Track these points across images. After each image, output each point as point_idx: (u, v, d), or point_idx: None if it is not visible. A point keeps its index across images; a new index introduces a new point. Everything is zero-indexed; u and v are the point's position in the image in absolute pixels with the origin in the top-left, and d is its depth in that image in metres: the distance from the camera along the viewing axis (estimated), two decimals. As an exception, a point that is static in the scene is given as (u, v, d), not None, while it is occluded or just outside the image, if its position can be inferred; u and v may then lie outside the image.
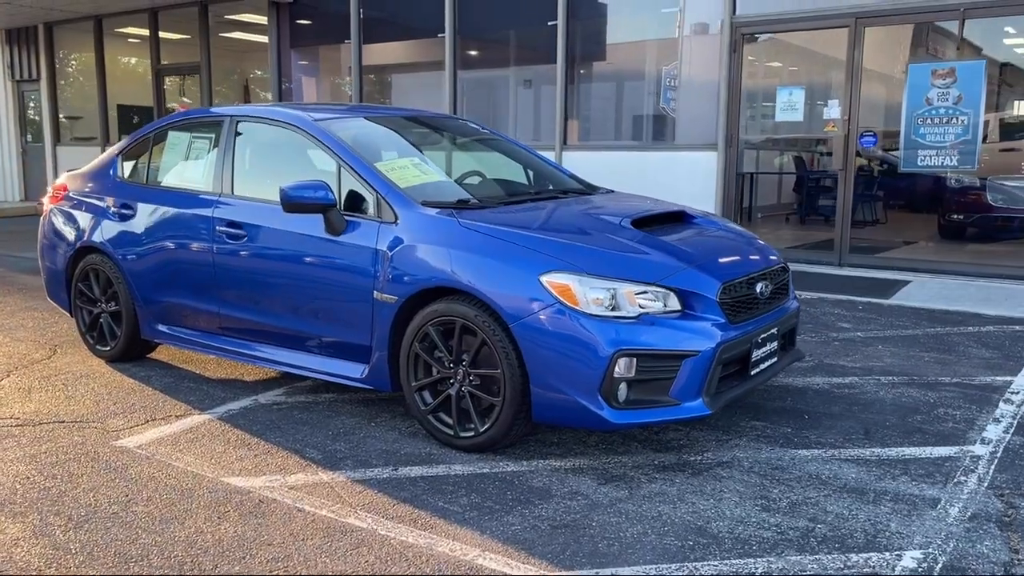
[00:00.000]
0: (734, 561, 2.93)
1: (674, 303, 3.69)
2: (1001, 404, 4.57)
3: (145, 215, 5.23)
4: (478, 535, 3.16)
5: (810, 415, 4.42)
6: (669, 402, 3.64)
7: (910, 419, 4.35)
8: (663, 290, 3.67)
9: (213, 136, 5.09)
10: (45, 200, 6.07)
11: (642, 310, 3.62)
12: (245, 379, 5.22)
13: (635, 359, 3.55)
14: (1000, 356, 5.55)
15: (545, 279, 3.65)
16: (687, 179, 9.14)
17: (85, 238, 5.53)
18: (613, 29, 10.22)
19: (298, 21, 12.81)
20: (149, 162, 5.45)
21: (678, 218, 4.53)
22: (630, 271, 3.70)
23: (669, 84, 10.11)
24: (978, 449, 3.93)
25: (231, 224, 4.74)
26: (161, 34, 14.59)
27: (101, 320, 5.56)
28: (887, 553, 2.97)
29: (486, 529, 3.21)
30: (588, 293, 3.59)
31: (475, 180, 4.96)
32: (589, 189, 5.22)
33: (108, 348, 5.55)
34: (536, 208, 4.48)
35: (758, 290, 4.03)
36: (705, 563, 2.92)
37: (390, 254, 4.09)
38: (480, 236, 3.91)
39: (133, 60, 15.95)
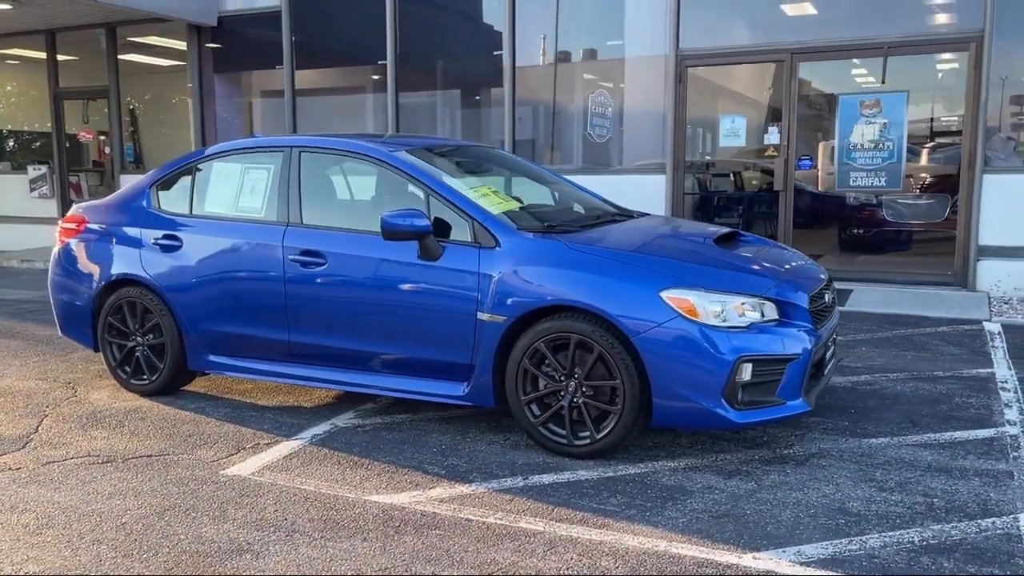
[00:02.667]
0: (890, 533, 3.37)
1: (772, 312, 4.13)
2: (1001, 392, 5.28)
3: (195, 245, 5.22)
4: (653, 528, 3.47)
5: (855, 410, 4.97)
6: (776, 401, 4.08)
7: (938, 408, 4.97)
8: (766, 301, 4.12)
9: (272, 166, 5.15)
10: (56, 235, 5.89)
11: (750, 320, 4.05)
12: (304, 405, 5.28)
13: (751, 364, 3.97)
14: (968, 352, 6.34)
15: (665, 295, 4.02)
16: (635, 201, 9.69)
17: (119, 271, 5.44)
18: (561, 57, 10.71)
19: (221, 45, 12.62)
20: (192, 193, 5.43)
21: (734, 237, 5.00)
22: (738, 285, 4.13)
23: (596, 111, 10.70)
24: (1011, 430, 4.58)
25: (306, 252, 4.84)
26: (60, 56, 13.95)
27: (137, 354, 5.46)
28: (1005, 517, 3.50)
29: (656, 523, 3.53)
30: (707, 306, 3.99)
31: (543, 206, 5.26)
32: (626, 211, 5.62)
33: (145, 382, 5.47)
34: (619, 230, 4.84)
35: (827, 299, 4.55)
36: (868, 536, 3.35)
37: (496, 277, 4.34)
38: (594, 258, 4.24)
39: (18, 83, 15.12)
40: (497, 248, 4.40)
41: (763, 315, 4.11)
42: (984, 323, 7.29)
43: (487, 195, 4.75)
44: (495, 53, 10.60)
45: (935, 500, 3.69)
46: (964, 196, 8.56)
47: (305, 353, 4.95)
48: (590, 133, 10.42)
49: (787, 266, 4.57)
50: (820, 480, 3.93)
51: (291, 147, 5.14)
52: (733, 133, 9.44)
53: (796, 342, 4.09)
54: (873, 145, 8.83)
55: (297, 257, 4.87)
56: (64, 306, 5.79)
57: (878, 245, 10.73)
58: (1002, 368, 5.85)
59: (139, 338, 5.46)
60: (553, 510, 3.68)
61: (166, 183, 5.55)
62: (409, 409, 5.11)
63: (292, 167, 5.07)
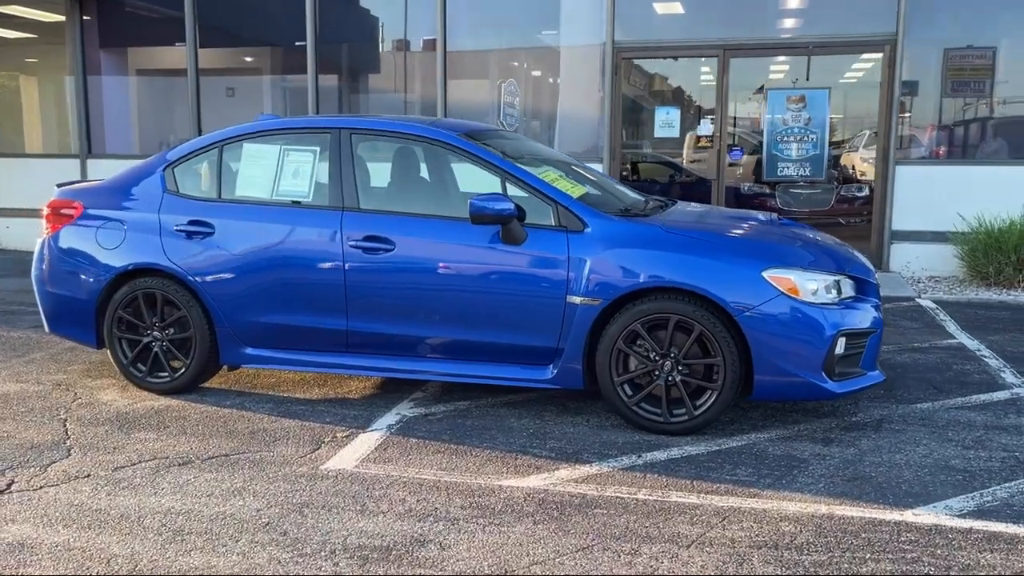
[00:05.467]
0: (1007, 484, 3.74)
1: (850, 290, 4.44)
2: (983, 360, 5.89)
3: (231, 232, 4.92)
4: (800, 493, 3.68)
5: (879, 379, 5.40)
6: (860, 372, 4.39)
7: (947, 375, 5.48)
8: (847, 279, 4.42)
9: (317, 149, 4.93)
10: (43, 222, 5.35)
11: (839, 296, 4.33)
12: (350, 397, 5.11)
13: (845, 338, 4.25)
14: (924, 326, 6.99)
15: (768, 275, 4.22)
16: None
17: (135, 260, 5.03)
18: (495, 47, 10.72)
19: (108, 19, 11.70)
20: (219, 175, 5.09)
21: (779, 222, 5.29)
22: (825, 264, 4.41)
23: (508, 101, 10.84)
24: (1021, 391, 5.14)
25: (370, 238, 4.68)
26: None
27: (155, 349, 5.08)
28: (1084, 464, 3.98)
29: (799, 488, 3.73)
30: (806, 285, 4.23)
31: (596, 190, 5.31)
32: (655, 198, 5.75)
33: (166, 379, 5.10)
34: (686, 214, 5.00)
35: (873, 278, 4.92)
36: (993, 489, 3.70)
37: (589, 260, 4.39)
38: (693, 240, 4.39)
39: None
40: (586, 231, 4.45)
41: (846, 292, 4.41)
42: (917, 300, 8.04)
43: (557, 180, 4.78)
44: (426, 38, 10.48)
45: (1015, 454, 4.11)
46: (879, 185, 9.36)
47: (365, 342, 4.79)
48: (502, 122, 10.50)
49: (842, 246, 4.90)
50: (907, 443, 4.28)
51: (340, 128, 4.93)
52: (668, 124, 9.83)
53: (873, 316, 4.42)
54: (797, 138, 9.47)
55: (359, 243, 4.70)
56: (56, 301, 5.27)
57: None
58: (964, 338, 6.50)
59: (157, 332, 5.07)
60: (692, 483, 3.81)
61: (185, 165, 5.18)
62: (464, 396, 5.06)
63: (344, 150, 4.87)
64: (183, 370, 5.06)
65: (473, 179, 4.99)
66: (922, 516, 3.45)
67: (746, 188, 11.72)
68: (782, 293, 4.20)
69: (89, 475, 3.95)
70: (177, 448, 4.29)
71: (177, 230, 5.00)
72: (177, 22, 11.19)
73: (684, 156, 10.41)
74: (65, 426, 4.62)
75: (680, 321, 4.28)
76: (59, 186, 5.52)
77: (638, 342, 4.37)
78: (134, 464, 4.08)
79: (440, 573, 3.05)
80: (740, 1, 9.60)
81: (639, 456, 4.14)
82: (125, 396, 5.11)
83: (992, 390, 5.16)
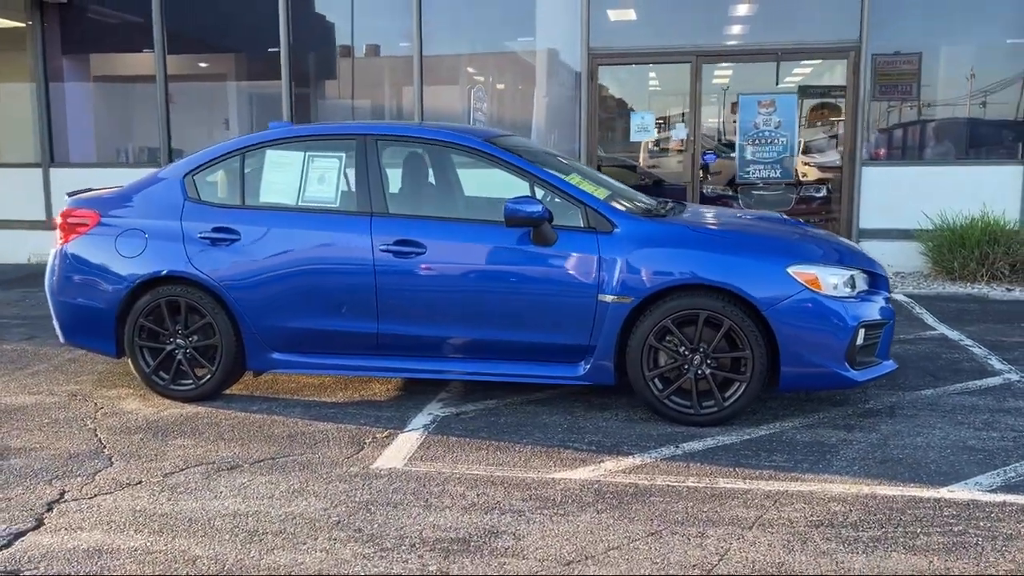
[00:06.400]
0: (1023, 462, 4.02)
1: (863, 283, 4.69)
2: (968, 348, 6.22)
3: (258, 238, 4.96)
4: (840, 476, 3.89)
5: (879, 369, 5.67)
6: (876, 362, 4.65)
7: (939, 364, 5.79)
8: (862, 273, 4.67)
9: (342, 155, 5.01)
10: (57, 232, 5.31)
11: (856, 290, 4.58)
12: (377, 399, 5.18)
13: (864, 329, 4.50)
14: (903, 318, 7.31)
15: (792, 270, 4.44)
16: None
17: (158, 268, 5.03)
18: (471, 52, 10.85)
19: (72, 26, 11.49)
20: (242, 183, 5.13)
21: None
22: (842, 259, 4.66)
23: (476, 107, 11.01)
24: (1013, 376, 5.46)
25: (401, 242, 4.77)
26: None
27: (179, 357, 5.08)
28: (1089, 441, 4.28)
29: (837, 471, 3.94)
30: (828, 279, 4.46)
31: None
32: (664, 200, 5.93)
33: (190, 387, 5.11)
34: (704, 215, 5.21)
35: (879, 272, 5.20)
36: (1010, 467, 3.97)
37: (619, 260, 4.56)
38: (719, 239, 4.60)
39: None
40: (615, 232, 4.62)
41: (860, 285, 4.65)
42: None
43: (580, 182, 4.94)
44: (401, 44, 10.55)
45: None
46: (847, 185, 9.75)
47: (395, 344, 4.88)
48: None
49: (847, 242, 5.16)
50: (924, 427, 4.54)
51: (366, 135, 5.01)
52: (643, 128, 10.08)
53: (886, 308, 4.68)
54: (768, 141, 9.81)
55: (390, 247, 4.78)
56: (74, 311, 5.24)
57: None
58: (944, 329, 6.85)
59: (180, 340, 5.08)
60: (735, 470, 4.00)
61: (205, 173, 5.19)
62: (489, 395, 5.18)
63: (371, 156, 4.96)
64: (208, 377, 5.07)
65: (493, 183, 5.12)
66: (957, 492, 3.69)
67: (709, 190, 12.06)
68: (806, 287, 4.42)
69: (141, 482, 3.96)
70: (220, 453, 4.32)
71: (201, 237, 5.02)
72: (140, 28, 11.06)
73: (640, 160, 10.69)
74: (96, 435, 4.61)
75: (709, 316, 4.47)
76: (70, 195, 5.48)
77: (667, 338, 4.55)
78: (182, 470, 4.10)
79: (523, 560, 3.17)
80: (712, 9, 9.90)
81: (677, 447, 4.31)
82: (148, 404, 5.10)
83: (984, 376, 5.47)
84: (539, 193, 4.78)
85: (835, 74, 10.04)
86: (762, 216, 5.50)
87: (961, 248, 8.80)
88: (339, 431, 4.63)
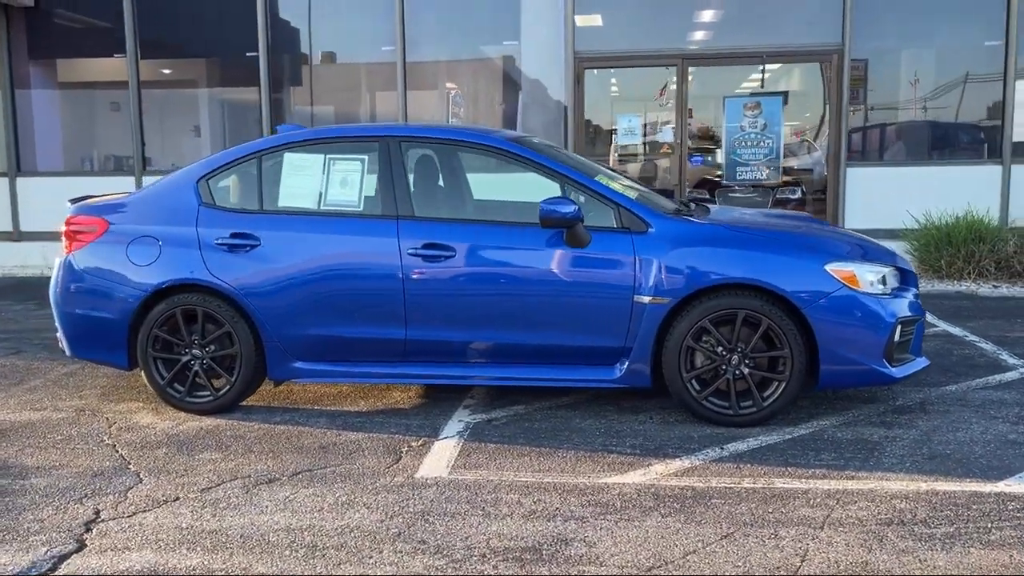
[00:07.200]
0: (1069, 454, 4.06)
1: (895, 280, 4.71)
2: (976, 344, 6.30)
3: (280, 244, 4.81)
4: (893, 473, 3.88)
5: (897, 366, 5.71)
6: (910, 358, 4.66)
7: (952, 359, 5.85)
8: (894, 270, 4.68)
9: (365, 157, 4.88)
10: (63, 241, 5.10)
11: (891, 287, 4.59)
12: (401, 406, 5.06)
13: (900, 326, 4.51)
14: (903, 316, 7.40)
15: (830, 268, 4.43)
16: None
17: (174, 276, 4.85)
18: (455, 57, 10.76)
19: (38, 32, 11.14)
20: (260, 187, 4.97)
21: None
22: (876, 257, 4.67)
23: (454, 112, 10.93)
24: (1028, 371, 5.54)
25: (430, 246, 4.66)
26: None
27: (196, 367, 4.90)
28: (1124, 432, 4.34)
29: (889, 468, 3.93)
30: (865, 276, 4.46)
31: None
32: (686, 199, 5.93)
33: (208, 398, 4.93)
34: (733, 215, 5.19)
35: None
36: (1059, 458, 4.00)
37: (656, 260, 4.50)
38: (756, 238, 4.57)
39: None
40: (650, 232, 4.57)
41: (893, 282, 4.66)
42: (882, 294, 8.50)
43: (609, 182, 4.88)
44: (384, 49, 10.42)
45: (1061, 426, 4.45)
46: (831, 186, 9.86)
47: (424, 350, 4.76)
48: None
49: (871, 240, 5.18)
50: (961, 421, 4.56)
51: (390, 137, 4.89)
52: (630, 132, 10.09)
53: (916, 304, 4.70)
54: (754, 143, 9.88)
55: (419, 251, 4.67)
56: (81, 322, 5.02)
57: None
58: (946, 325, 6.94)
59: (197, 350, 4.90)
60: (787, 470, 3.96)
61: (220, 177, 5.03)
62: (516, 401, 5.08)
63: (395, 158, 4.84)
64: (227, 388, 4.90)
65: (516, 184, 5.04)
66: (1014, 486, 3.70)
67: (695, 193, 12.12)
68: (844, 285, 4.41)
69: (179, 498, 3.79)
70: (253, 466, 4.16)
71: (218, 243, 4.84)
72: (109, 33, 10.77)
73: (610, 161, 10.70)
74: (117, 451, 4.41)
75: (747, 316, 4.44)
76: (72, 202, 5.26)
77: (704, 338, 4.51)
78: (218, 485, 3.94)
79: (601, 567, 3.09)
80: (698, 13, 9.95)
81: (722, 448, 4.27)
82: (163, 418, 4.91)
83: (1001, 371, 5.54)
84: (571, 193, 4.71)
85: (818, 77, 10.15)
86: (789, 215, 5.51)
87: (948, 246, 8.94)
88: (371, 441, 4.49)
